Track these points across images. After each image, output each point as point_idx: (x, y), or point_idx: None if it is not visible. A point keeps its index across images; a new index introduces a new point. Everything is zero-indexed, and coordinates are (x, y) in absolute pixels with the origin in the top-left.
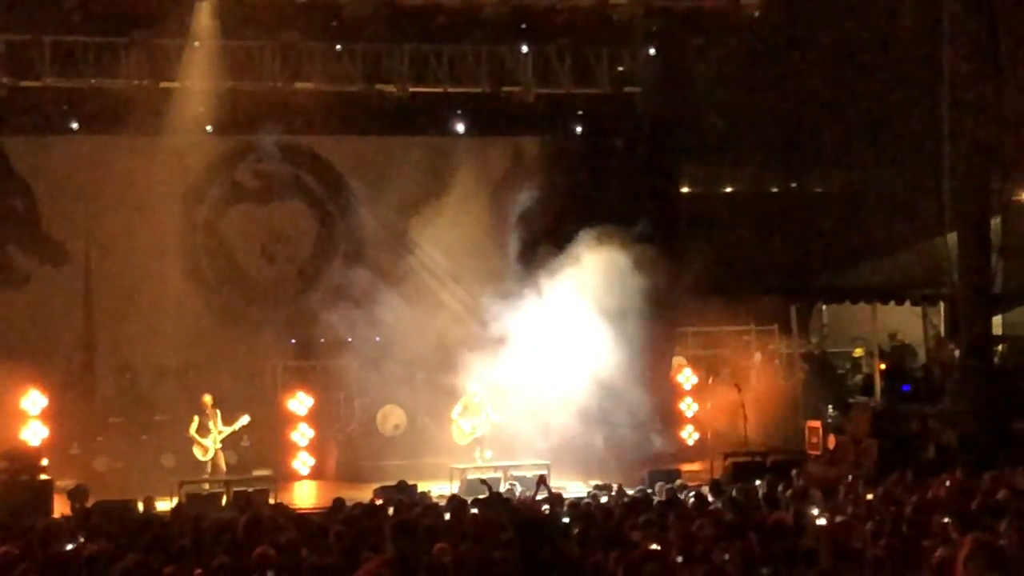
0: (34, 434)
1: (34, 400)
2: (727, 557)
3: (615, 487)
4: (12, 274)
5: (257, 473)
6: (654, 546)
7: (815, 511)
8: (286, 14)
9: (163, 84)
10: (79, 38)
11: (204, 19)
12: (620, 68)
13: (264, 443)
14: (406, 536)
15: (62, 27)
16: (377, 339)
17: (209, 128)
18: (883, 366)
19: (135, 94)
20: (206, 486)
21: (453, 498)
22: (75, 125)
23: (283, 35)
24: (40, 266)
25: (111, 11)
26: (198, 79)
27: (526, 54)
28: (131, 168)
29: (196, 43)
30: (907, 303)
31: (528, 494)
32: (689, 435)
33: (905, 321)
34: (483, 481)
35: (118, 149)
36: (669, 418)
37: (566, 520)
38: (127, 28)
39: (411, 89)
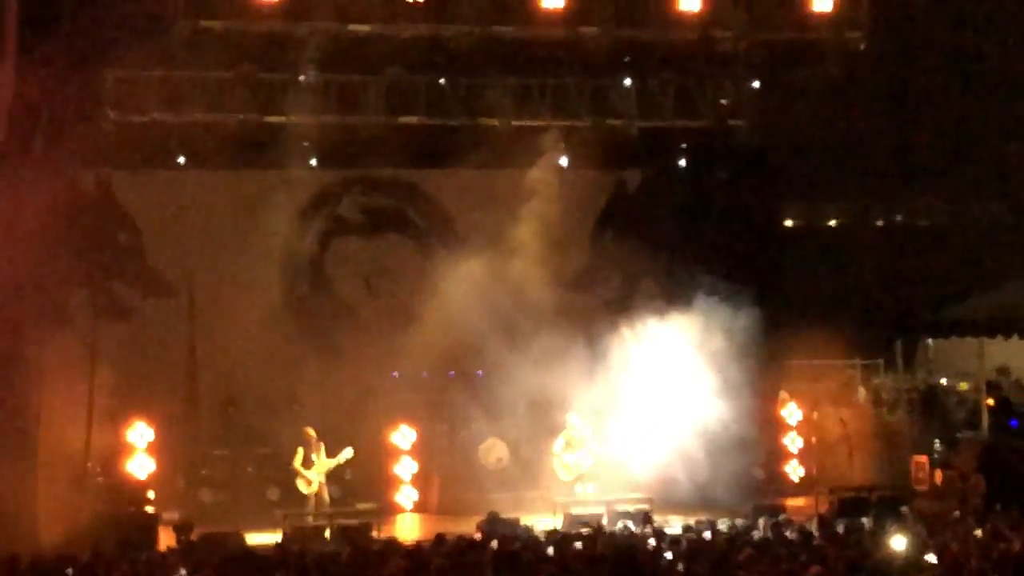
0: (140, 467)
1: (140, 433)
2: None
3: (719, 522)
4: (117, 308)
5: (361, 506)
6: None
7: (902, 546)
8: (389, 49)
9: (268, 119)
10: (185, 73)
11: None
12: (723, 101)
13: (367, 476)
14: (508, 569)
15: (169, 63)
16: (479, 373)
17: (313, 162)
18: (991, 401)
19: (240, 129)
20: (310, 519)
21: (554, 533)
22: (181, 159)
23: (387, 69)
24: (144, 299)
25: (217, 46)
26: (303, 114)
27: (629, 87)
28: (236, 202)
29: (301, 78)
30: (1015, 336)
31: (633, 529)
32: (794, 470)
33: (1013, 355)
34: (585, 524)
35: (223, 183)
36: (773, 453)
37: (669, 556)
38: (233, 63)
39: (514, 123)
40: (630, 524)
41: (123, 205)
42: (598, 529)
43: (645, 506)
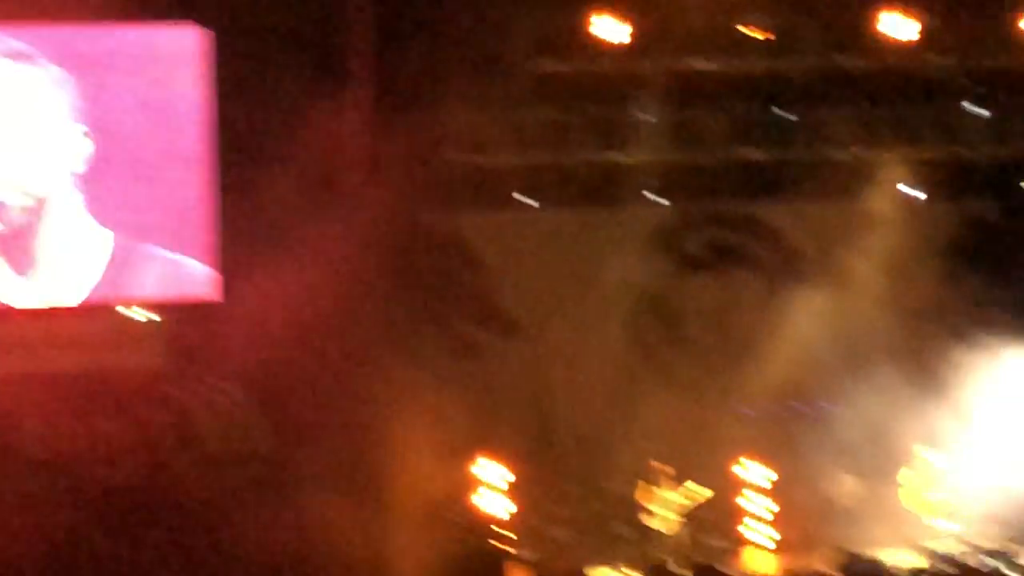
0: (490, 503)
1: (489, 469)
2: None
3: None
4: (464, 346)
5: (714, 544)
6: None
7: None
8: (732, 84)
9: (611, 157)
10: (529, 113)
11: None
12: None
13: (719, 513)
14: None
15: (513, 103)
16: (827, 406)
17: (657, 199)
18: None
19: (583, 168)
20: (665, 557)
21: (919, 572)
22: (527, 199)
23: (729, 104)
24: (491, 339)
25: (560, 87)
26: (645, 151)
27: (978, 114)
28: (580, 240)
29: (643, 115)
30: None
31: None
32: None
33: None
34: (948, 561)
35: (567, 222)
36: None
37: None
38: (575, 103)
39: (857, 153)
40: (996, 562)
41: (470, 245)
42: (964, 568)
43: (1011, 544)
